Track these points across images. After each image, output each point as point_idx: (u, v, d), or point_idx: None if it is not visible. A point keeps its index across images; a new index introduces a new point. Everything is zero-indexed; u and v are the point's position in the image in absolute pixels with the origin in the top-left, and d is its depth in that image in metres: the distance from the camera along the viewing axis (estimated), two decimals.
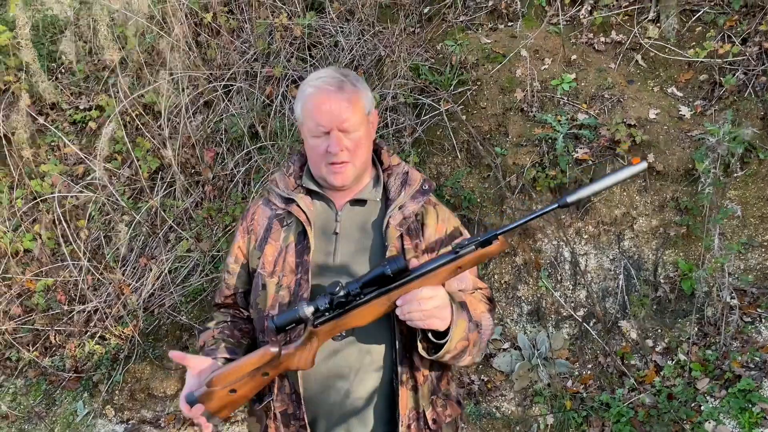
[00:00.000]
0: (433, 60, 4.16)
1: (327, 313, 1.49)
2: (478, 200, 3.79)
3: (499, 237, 1.50)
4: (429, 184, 1.71)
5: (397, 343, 1.58)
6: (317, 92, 1.60)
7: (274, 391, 1.61)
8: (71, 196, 4.39)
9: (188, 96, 4.37)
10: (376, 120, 1.72)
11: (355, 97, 1.62)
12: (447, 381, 1.72)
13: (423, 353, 1.53)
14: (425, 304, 1.44)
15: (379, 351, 1.61)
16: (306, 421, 1.58)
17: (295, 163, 1.76)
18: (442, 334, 1.50)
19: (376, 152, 1.77)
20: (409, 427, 1.59)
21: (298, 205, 1.66)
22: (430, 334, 1.50)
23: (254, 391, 1.52)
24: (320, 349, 1.55)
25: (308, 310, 1.46)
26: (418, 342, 1.52)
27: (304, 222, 1.64)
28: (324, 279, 1.62)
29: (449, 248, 1.60)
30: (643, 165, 1.50)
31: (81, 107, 4.89)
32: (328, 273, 1.63)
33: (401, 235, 1.63)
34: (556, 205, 1.49)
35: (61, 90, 4.94)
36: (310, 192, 1.71)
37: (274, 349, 1.48)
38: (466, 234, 1.74)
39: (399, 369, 1.57)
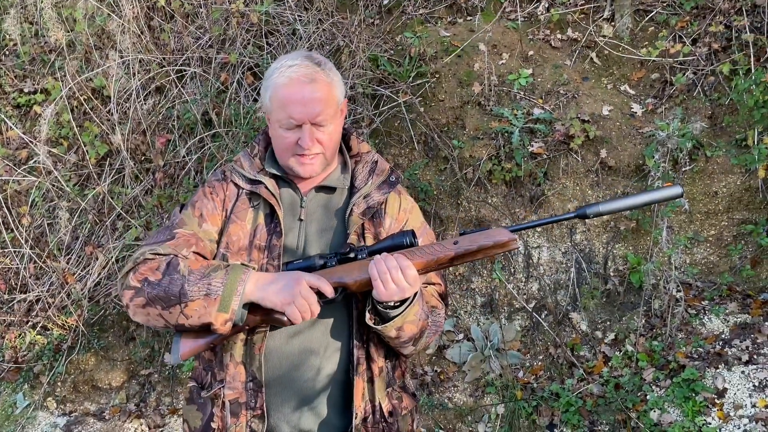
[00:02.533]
0: (392, 51, 4.14)
1: None
2: (435, 192, 3.79)
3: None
4: (396, 175, 1.68)
5: (354, 328, 1.55)
6: (289, 83, 1.53)
7: (226, 379, 1.55)
8: (13, 181, 4.21)
9: (139, 80, 4.24)
10: (346, 108, 1.68)
11: (329, 88, 1.56)
12: (402, 372, 1.70)
13: (369, 323, 1.50)
14: (396, 275, 1.42)
15: (338, 336, 1.58)
16: (264, 410, 1.52)
17: (260, 143, 1.70)
18: (388, 314, 1.48)
19: (345, 138, 1.72)
20: (365, 420, 1.56)
21: (267, 188, 1.60)
22: (379, 307, 1.48)
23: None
24: (282, 331, 1.53)
25: (319, 263, 1.51)
26: (367, 311, 1.50)
27: (275, 205, 1.59)
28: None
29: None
30: (678, 190, 1.46)
31: (25, 90, 4.69)
32: (292, 258, 1.59)
33: (363, 224, 1.61)
34: (574, 214, 1.48)
35: (5, 72, 4.74)
36: (274, 176, 1.65)
37: None
38: (431, 232, 1.71)
39: (354, 358, 1.54)
